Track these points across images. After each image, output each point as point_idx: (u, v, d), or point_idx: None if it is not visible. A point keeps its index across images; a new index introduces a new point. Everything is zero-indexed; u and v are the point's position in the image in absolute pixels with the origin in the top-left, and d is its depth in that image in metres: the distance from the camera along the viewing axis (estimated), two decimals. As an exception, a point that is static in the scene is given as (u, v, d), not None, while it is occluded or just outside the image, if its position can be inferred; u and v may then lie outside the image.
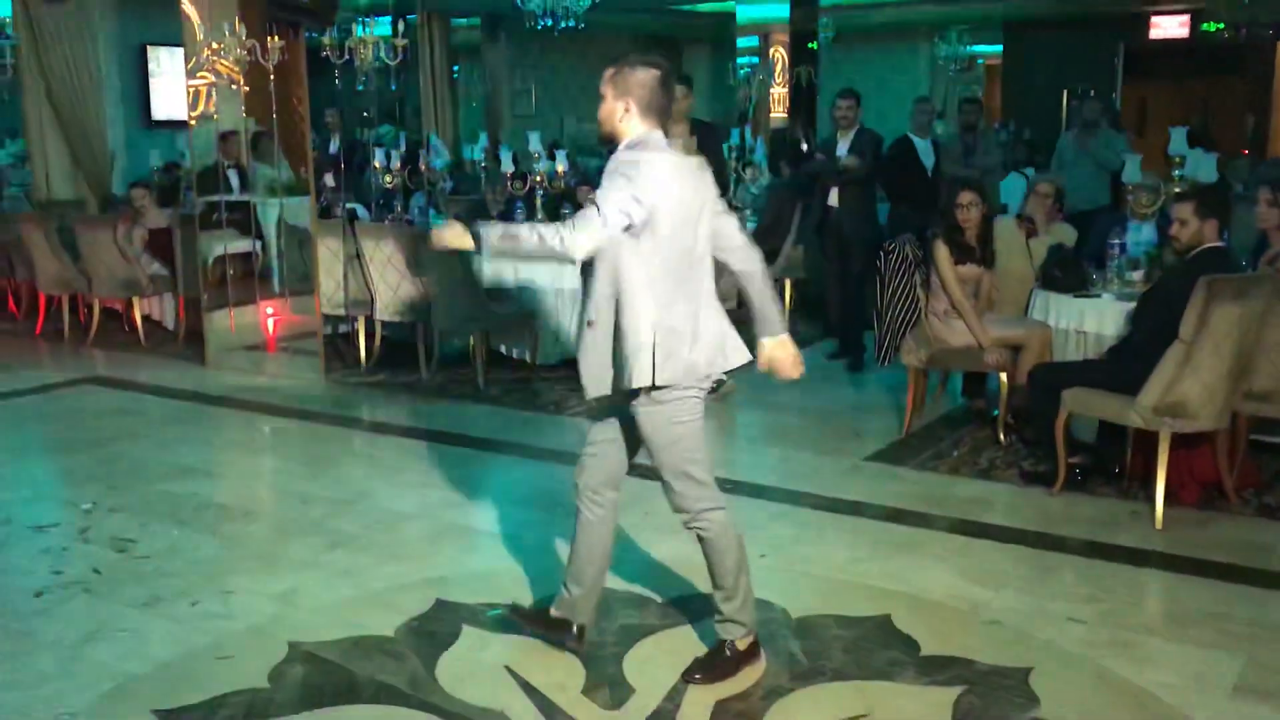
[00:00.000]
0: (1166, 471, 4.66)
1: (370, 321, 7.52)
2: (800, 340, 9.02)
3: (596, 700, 3.35)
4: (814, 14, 12.79)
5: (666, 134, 3.26)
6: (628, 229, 3.10)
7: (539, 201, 7.65)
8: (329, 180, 8.20)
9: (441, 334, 7.31)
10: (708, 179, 3.36)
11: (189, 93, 7.94)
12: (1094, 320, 5.50)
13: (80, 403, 7.10)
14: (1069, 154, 9.05)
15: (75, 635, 3.80)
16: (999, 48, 17.06)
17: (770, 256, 8.83)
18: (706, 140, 6.61)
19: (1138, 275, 5.67)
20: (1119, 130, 10.20)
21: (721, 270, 3.38)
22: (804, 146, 8.32)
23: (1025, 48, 16.12)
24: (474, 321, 7.03)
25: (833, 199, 7.55)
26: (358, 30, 8.55)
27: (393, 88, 12.92)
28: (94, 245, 8.50)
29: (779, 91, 12.69)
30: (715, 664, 3.45)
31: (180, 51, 8.18)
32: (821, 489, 5.19)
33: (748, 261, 3.36)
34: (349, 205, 8.24)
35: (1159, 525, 4.64)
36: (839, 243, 7.61)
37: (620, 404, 3.32)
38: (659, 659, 3.57)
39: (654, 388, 3.19)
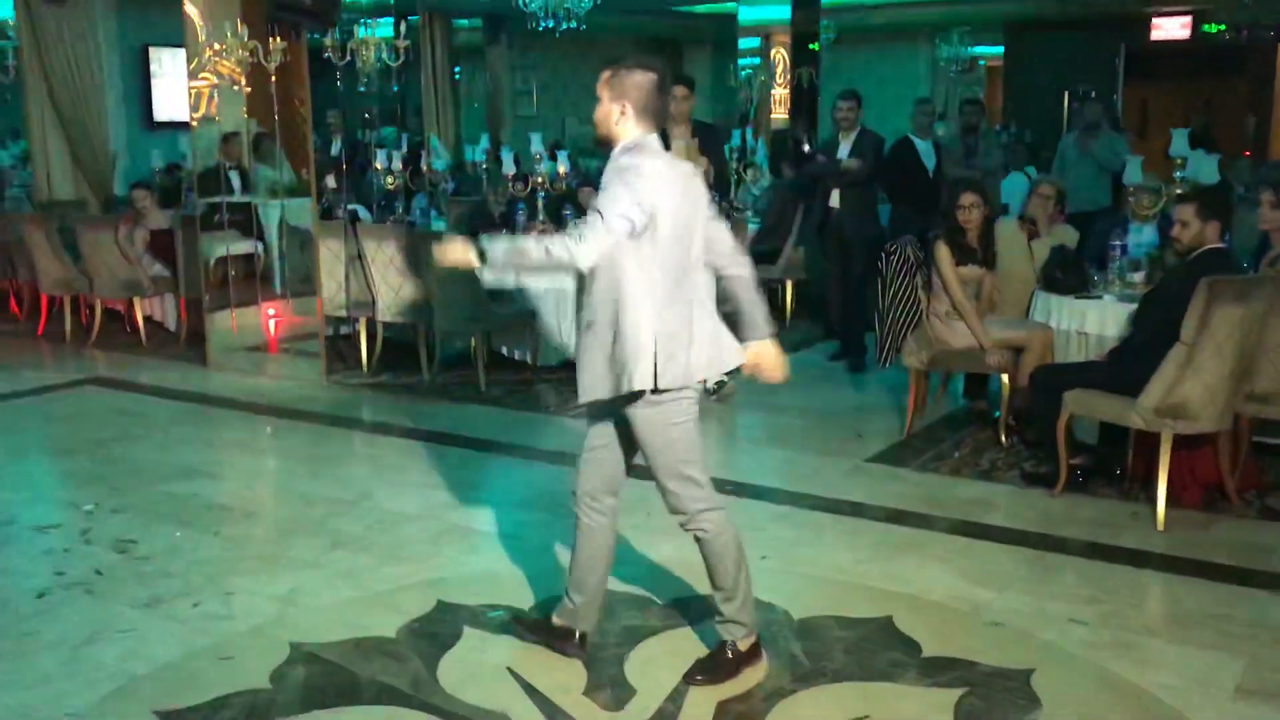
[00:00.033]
0: (1168, 473, 4.66)
1: (372, 323, 7.53)
2: (802, 341, 9.05)
3: (598, 701, 3.35)
4: (815, 15, 12.79)
5: (668, 136, 3.27)
6: (631, 234, 3.10)
7: (540, 203, 7.66)
8: (330, 181, 8.21)
9: (443, 335, 7.32)
10: (701, 184, 3.36)
11: (190, 94, 7.94)
12: (1095, 321, 5.50)
13: (82, 404, 7.11)
14: (1070, 155, 9.05)
15: (77, 636, 3.80)
16: (1000, 49, 17.05)
17: (771, 257, 8.95)
18: (708, 141, 6.62)
19: (1139, 277, 5.67)
20: (1119, 132, 10.21)
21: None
22: (806, 148, 8.32)
23: (1026, 49, 16.11)
24: (475, 323, 7.03)
25: (834, 200, 7.55)
26: (359, 31, 8.54)
27: (394, 89, 12.92)
28: (95, 246, 8.51)
29: (780, 93, 12.69)
30: (717, 665, 3.45)
31: (182, 52, 8.18)
32: (823, 490, 5.19)
33: (737, 266, 3.39)
34: (350, 206, 8.24)
35: (1160, 527, 4.64)
36: (840, 244, 7.61)
37: (615, 407, 3.31)
38: (661, 660, 3.57)
39: (655, 391, 3.19)
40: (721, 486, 5.11)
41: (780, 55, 12.67)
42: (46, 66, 10.12)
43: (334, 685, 3.45)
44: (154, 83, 11.97)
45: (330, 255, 7.52)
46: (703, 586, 3.57)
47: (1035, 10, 15.44)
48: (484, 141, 9.31)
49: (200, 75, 7.83)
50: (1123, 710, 3.30)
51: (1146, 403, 4.64)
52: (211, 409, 6.91)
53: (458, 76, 15.63)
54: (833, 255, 7.75)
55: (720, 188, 7.07)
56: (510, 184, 7.77)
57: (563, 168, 7.65)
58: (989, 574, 4.25)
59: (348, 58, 8.14)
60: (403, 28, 8.13)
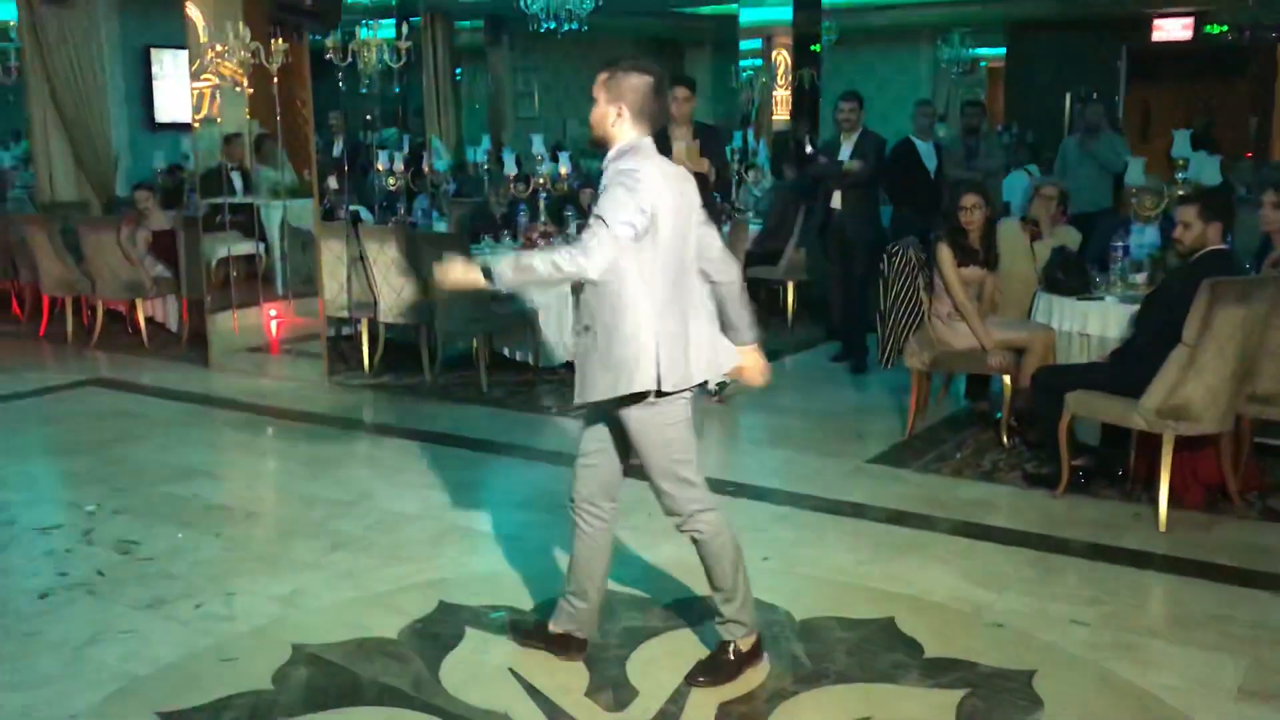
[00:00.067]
0: (1170, 474, 4.65)
1: (373, 324, 7.53)
2: (803, 342, 9.05)
3: (600, 703, 3.35)
4: (816, 16, 12.79)
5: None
6: (635, 239, 3.10)
7: (542, 204, 7.66)
8: (332, 182, 8.22)
9: (444, 336, 7.32)
10: (694, 188, 3.37)
11: (192, 95, 7.95)
12: (1097, 323, 5.50)
13: (84, 405, 7.11)
14: (1072, 157, 9.05)
15: (79, 637, 3.81)
16: (1002, 50, 17.05)
17: (773, 259, 8.96)
18: (710, 143, 6.61)
19: (1141, 278, 5.67)
20: (1118, 133, 10.21)
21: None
22: (808, 149, 8.33)
23: (1028, 50, 16.11)
24: (477, 324, 7.03)
25: (836, 201, 7.55)
26: (361, 33, 8.57)
27: (396, 90, 12.94)
28: (97, 247, 8.52)
29: (782, 94, 12.70)
30: (718, 666, 3.45)
31: (184, 54, 8.19)
32: (824, 491, 5.19)
33: (726, 272, 3.40)
34: (352, 207, 8.25)
35: (1162, 528, 4.64)
36: (842, 245, 7.61)
37: (609, 410, 3.31)
38: (662, 661, 3.57)
39: (659, 394, 3.19)
40: (723, 487, 5.14)
41: (782, 56, 12.67)
42: (49, 68, 10.14)
43: (336, 686, 3.45)
44: (156, 84, 11.98)
45: (332, 256, 7.52)
46: (703, 587, 3.57)
47: (1037, 11, 15.45)
48: (485, 143, 9.32)
49: (202, 76, 7.83)
50: (1124, 711, 3.30)
51: (1148, 404, 4.63)
52: (213, 410, 6.91)
53: (459, 78, 15.64)
54: (834, 256, 7.75)
55: (722, 189, 7.07)
56: (512, 185, 7.78)
57: (564, 169, 7.66)
58: (991, 575, 4.25)
59: (349, 59, 8.15)
60: (404, 29, 8.16)
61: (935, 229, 5.99)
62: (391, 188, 8.13)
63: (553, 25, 11.86)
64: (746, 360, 3.47)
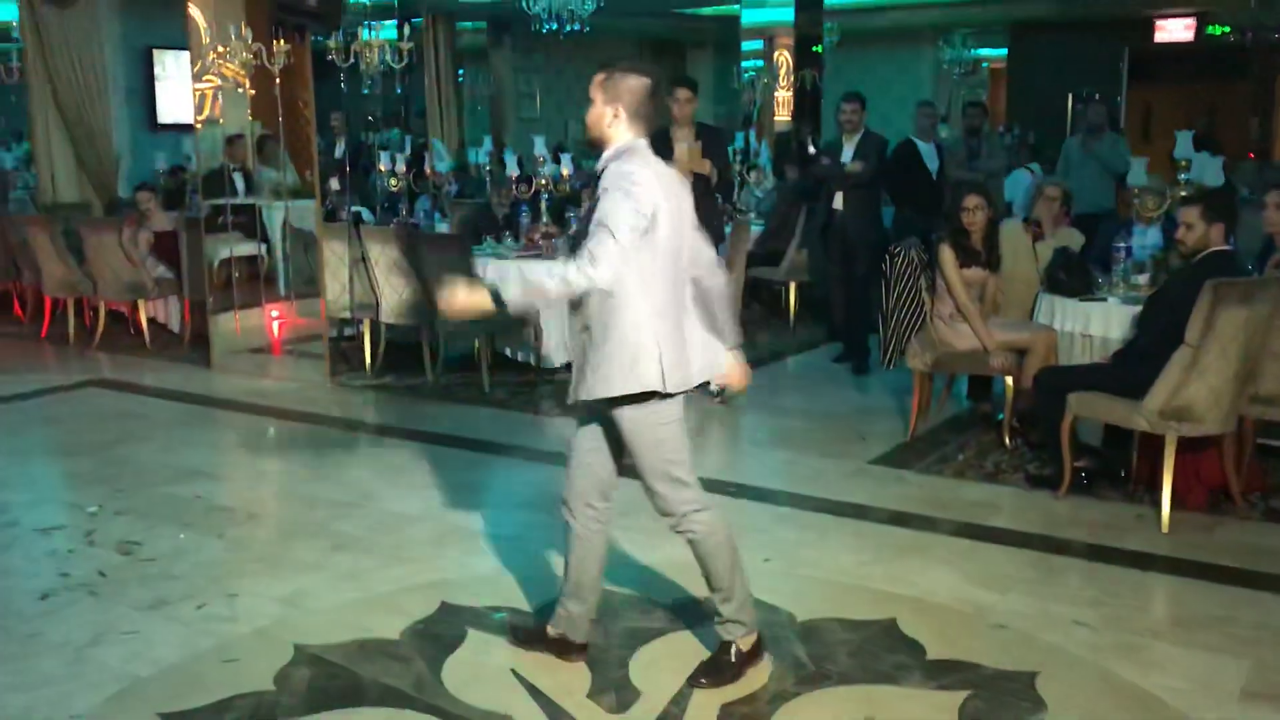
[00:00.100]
0: (1173, 475, 4.65)
1: (375, 324, 7.53)
2: (805, 344, 9.04)
3: (602, 704, 3.35)
4: (818, 18, 12.81)
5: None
6: (638, 240, 3.11)
7: (544, 205, 7.67)
8: (334, 183, 8.22)
9: (446, 337, 7.32)
10: (688, 193, 3.39)
11: (194, 96, 7.95)
12: (1100, 324, 5.49)
13: (85, 406, 7.11)
14: (1074, 158, 9.05)
15: (81, 638, 3.80)
16: (1004, 51, 17.06)
17: (775, 260, 8.96)
18: (711, 144, 6.62)
19: (1143, 279, 5.66)
20: (1119, 133, 10.21)
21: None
22: (810, 150, 8.33)
23: (1030, 51, 16.11)
24: (479, 324, 7.03)
25: (837, 202, 7.55)
26: (363, 34, 8.56)
27: (398, 91, 12.95)
28: (99, 248, 8.52)
29: (783, 95, 12.71)
30: (720, 667, 3.44)
31: (186, 55, 8.19)
32: (826, 492, 5.19)
33: (714, 277, 3.42)
34: (354, 208, 8.26)
35: (1165, 529, 4.63)
36: (844, 246, 7.61)
37: (602, 410, 3.31)
38: (665, 662, 3.57)
39: (664, 395, 3.20)
40: (724, 488, 5.14)
41: (783, 57, 12.69)
42: (51, 69, 10.15)
43: (337, 687, 3.45)
44: (158, 85, 11.99)
45: (334, 257, 7.53)
46: (705, 588, 3.56)
47: (1039, 12, 15.45)
48: (487, 144, 9.32)
49: (204, 77, 7.84)
50: (1127, 713, 3.29)
51: (1151, 405, 4.63)
52: (215, 411, 6.91)
53: (461, 79, 15.65)
54: (836, 257, 7.74)
55: (724, 190, 7.07)
56: (514, 186, 7.78)
57: (566, 170, 7.66)
58: (993, 576, 4.24)
59: (351, 60, 8.16)
60: (406, 30, 8.17)
61: (937, 230, 5.99)
62: (393, 189, 8.13)
63: (555, 26, 11.86)
64: (732, 364, 3.50)
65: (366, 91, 10.93)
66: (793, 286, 9.00)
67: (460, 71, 15.63)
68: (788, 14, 12.61)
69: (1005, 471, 5.44)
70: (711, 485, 5.20)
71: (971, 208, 5.77)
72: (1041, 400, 5.17)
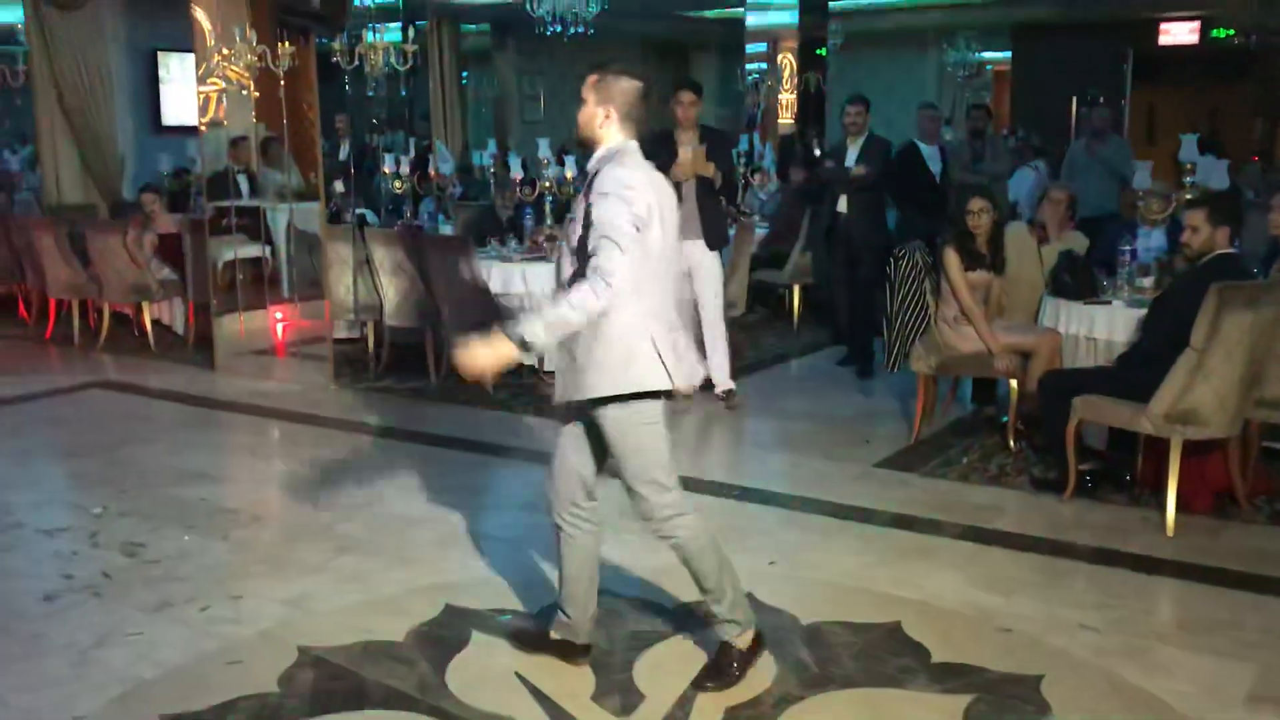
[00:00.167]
0: (1178, 479, 4.64)
1: (379, 327, 7.53)
2: (809, 346, 9.03)
3: (606, 707, 3.34)
4: (823, 20, 12.81)
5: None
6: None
7: (548, 207, 7.66)
8: (339, 186, 8.22)
9: (450, 339, 7.31)
10: (674, 199, 3.40)
11: (199, 98, 7.96)
12: (1104, 327, 5.49)
13: (90, 407, 7.12)
14: (1079, 161, 9.04)
15: (85, 639, 3.80)
16: (1008, 54, 17.06)
17: (779, 262, 8.95)
18: (715, 146, 6.61)
19: (1148, 282, 5.66)
20: (1123, 138, 10.21)
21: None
22: (815, 152, 8.33)
23: (1034, 54, 16.11)
24: (483, 326, 7.01)
25: (842, 205, 7.54)
26: (368, 36, 8.58)
27: (402, 94, 12.96)
28: (104, 250, 8.52)
29: (787, 98, 12.72)
30: (721, 668, 3.44)
31: (191, 57, 8.20)
32: (831, 495, 5.18)
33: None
34: (359, 211, 8.26)
35: (1170, 532, 4.62)
36: (848, 249, 7.60)
37: (586, 409, 3.32)
38: (669, 665, 3.56)
39: (668, 396, 3.21)
40: (729, 491, 5.15)
41: (787, 60, 12.69)
42: (55, 71, 10.17)
43: (342, 689, 3.45)
44: (162, 87, 12.02)
45: (338, 259, 7.53)
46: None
47: (1043, 15, 15.45)
48: (491, 146, 9.34)
49: (209, 80, 7.85)
50: (1133, 716, 3.29)
51: (1156, 408, 4.62)
52: (219, 413, 6.91)
53: (465, 81, 15.67)
54: (840, 260, 7.73)
55: (728, 193, 7.06)
56: (518, 188, 7.78)
57: (570, 172, 7.65)
58: (998, 580, 4.23)
59: (356, 62, 8.16)
60: (411, 32, 8.17)
61: (941, 233, 5.98)
62: (397, 191, 8.13)
63: (559, 29, 11.87)
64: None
65: (371, 94, 10.93)
66: (797, 289, 9.00)
67: (464, 74, 15.65)
68: (792, 17, 12.62)
69: (1010, 475, 5.43)
70: (715, 488, 5.23)
71: (976, 211, 5.77)
72: (1046, 403, 5.16)
